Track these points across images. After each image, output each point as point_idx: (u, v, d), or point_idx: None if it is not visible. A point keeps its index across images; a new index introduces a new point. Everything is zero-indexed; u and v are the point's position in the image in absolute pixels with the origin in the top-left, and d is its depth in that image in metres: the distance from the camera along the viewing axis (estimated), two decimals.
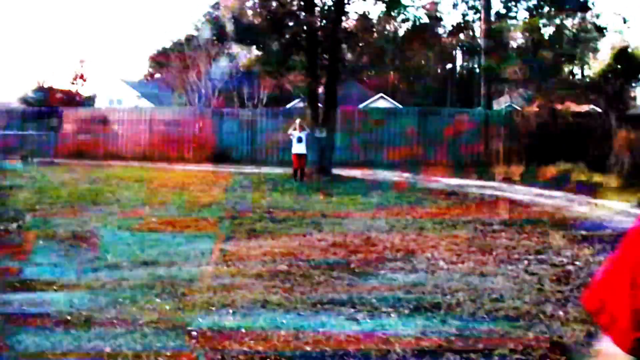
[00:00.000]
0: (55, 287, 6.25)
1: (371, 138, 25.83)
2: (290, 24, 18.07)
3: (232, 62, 30.96)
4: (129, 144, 28.06)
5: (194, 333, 4.92)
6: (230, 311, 5.51)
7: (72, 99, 40.50)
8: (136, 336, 4.83)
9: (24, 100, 43.57)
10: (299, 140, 18.10)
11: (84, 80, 44.09)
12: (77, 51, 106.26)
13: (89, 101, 42.39)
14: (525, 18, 58.62)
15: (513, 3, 62.39)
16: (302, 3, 18.63)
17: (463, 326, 5.35)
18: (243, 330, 5.01)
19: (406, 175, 20.75)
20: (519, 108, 31.96)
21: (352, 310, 5.68)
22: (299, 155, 18.11)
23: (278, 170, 19.66)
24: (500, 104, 35.62)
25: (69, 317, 5.25)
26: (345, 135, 25.02)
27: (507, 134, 25.14)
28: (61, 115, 29.43)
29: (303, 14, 18.42)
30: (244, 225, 10.24)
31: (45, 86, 43.78)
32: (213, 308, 5.60)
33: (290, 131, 18.63)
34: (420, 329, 5.23)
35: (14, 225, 9.80)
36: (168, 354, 4.50)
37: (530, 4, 60.75)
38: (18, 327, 4.99)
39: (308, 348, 4.67)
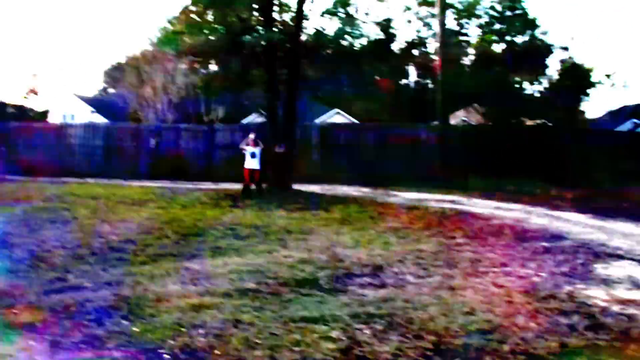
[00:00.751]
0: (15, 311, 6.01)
1: (328, 153, 25.81)
2: (250, 39, 17.94)
3: (189, 78, 30.69)
4: (83, 160, 27.48)
5: (166, 356, 4.77)
6: (202, 332, 5.37)
7: (24, 114, 39.57)
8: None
9: None
10: (253, 155, 18.09)
11: (37, 95, 43.13)
12: (30, 65, 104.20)
13: (42, 116, 41.46)
14: (478, 35, 59.81)
15: (465, 20, 63.60)
16: (261, 18, 18.56)
17: (438, 341, 5.32)
18: (217, 352, 4.88)
19: (365, 189, 20.77)
20: (474, 123, 32.43)
21: (325, 327, 5.60)
22: (252, 171, 18.12)
23: (237, 186, 19.42)
24: (456, 117, 36.04)
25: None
26: (303, 150, 24.96)
27: (463, 148, 25.40)
28: (12, 130, 28.70)
29: (262, 29, 18.35)
30: (208, 242, 10.07)
31: None
32: (183, 329, 5.45)
33: (242, 145, 18.58)
34: (395, 345, 5.18)
35: None
36: None
37: (482, 21, 62.03)
38: None
39: None
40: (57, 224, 11.91)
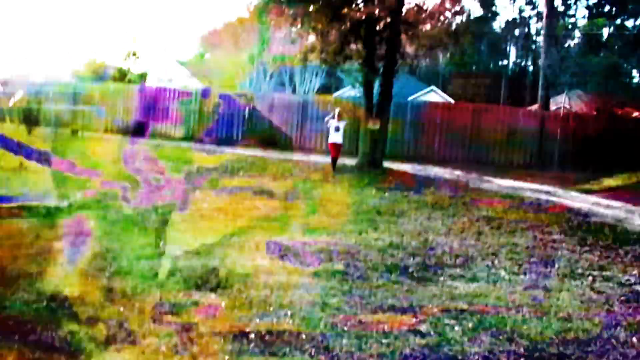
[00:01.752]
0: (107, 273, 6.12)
1: (422, 132, 25.39)
2: (350, 12, 17.69)
3: (285, 47, 30.76)
4: (179, 124, 28.09)
5: (252, 336, 4.72)
6: (289, 313, 5.29)
7: (123, 76, 40.81)
8: (193, 336, 4.66)
9: (76, 76, 44.13)
10: (337, 129, 17.86)
11: (137, 58, 44.36)
12: (130, 28, 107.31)
13: (141, 78, 42.67)
14: (584, 16, 57.27)
15: (572, 1, 60.96)
16: None
17: (532, 347, 5.05)
18: (303, 337, 4.79)
19: (457, 172, 20.30)
20: (576, 110, 31.14)
21: (414, 319, 5.42)
22: (336, 145, 17.93)
23: (327, 159, 19.36)
24: (558, 103, 34.70)
25: None
26: (397, 128, 24.65)
27: (563, 137, 24.42)
28: (111, 92, 29.64)
29: (362, 2, 18.05)
30: (298, 217, 10.04)
31: (98, 62, 44.25)
32: (270, 308, 5.40)
33: (327, 119, 18.46)
34: (487, 347, 4.95)
35: (65, 203, 9.78)
36: (226, 357, 4.31)
37: (591, 2, 59.30)
38: None
39: None
40: (150, 187, 12.16)
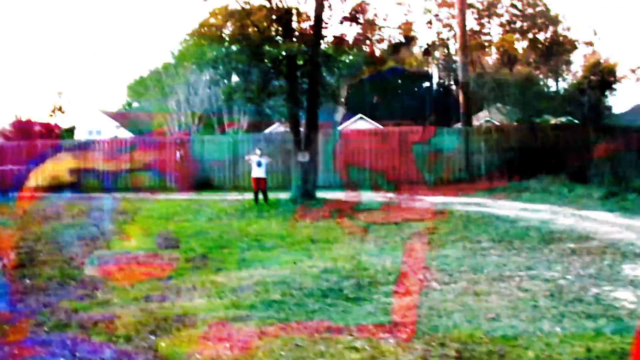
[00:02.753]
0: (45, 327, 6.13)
1: (352, 160, 25.89)
2: (269, 50, 18.06)
3: (211, 89, 30.99)
4: (109, 175, 27.83)
5: None
6: (228, 345, 5.44)
7: (51, 132, 40.19)
8: None
9: (2, 134, 43.20)
10: (259, 164, 18.74)
11: (63, 112, 43.79)
12: (55, 83, 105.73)
13: (69, 133, 42.09)
14: (499, 34, 59.64)
15: (486, 19, 63.40)
16: (280, 29, 18.67)
17: (463, 349, 5.31)
18: None
19: (390, 195, 20.76)
20: (497, 123, 32.24)
21: (350, 337, 5.63)
22: (258, 179, 18.78)
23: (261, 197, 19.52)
24: (479, 119, 35.86)
25: None
26: (327, 158, 25.13)
27: (487, 149, 25.28)
28: (39, 149, 29.19)
29: (281, 39, 18.45)
30: (234, 255, 10.17)
31: (23, 119, 43.46)
32: (210, 343, 5.52)
33: (248, 156, 19.42)
34: (420, 354, 5.19)
35: None
36: None
37: (503, 19, 61.84)
38: None
39: None
40: (85, 239, 12.08)
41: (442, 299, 7.00)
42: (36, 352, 5.41)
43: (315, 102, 19.48)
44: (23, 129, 40.48)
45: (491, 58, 56.75)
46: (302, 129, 19.66)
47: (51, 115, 43.01)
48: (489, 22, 63.24)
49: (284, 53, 18.18)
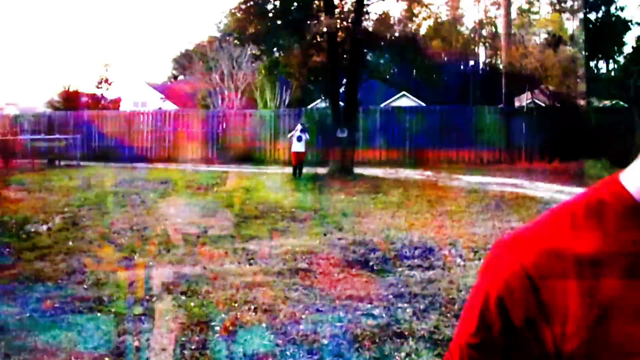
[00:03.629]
0: (84, 286, 6.54)
1: (393, 137, 25.99)
2: (311, 26, 18.25)
3: (254, 64, 31.29)
4: (153, 146, 28.49)
5: (217, 328, 5.18)
6: (252, 307, 5.76)
7: (97, 103, 41.05)
8: (163, 331, 5.10)
9: (50, 105, 44.29)
10: (299, 139, 18.99)
11: (109, 84, 44.62)
12: (102, 55, 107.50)
13: (114, 105, 42.95)
14: (548, 12, 58.40)
15: None
16: (322, 5, 18.82)
17: None
18: (263, 325, 5.26)
19: (428, 173, 20.86)
20: (541, 104, 31.88)
21: (369, 305, 5.90)
22: (297, 154, 19.03)
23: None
24: (522, 100, 35.48)
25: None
26: (367, 134, 25.29)
27: (528, 130, 25.12)
28: (87, 119, 29.98)
29: (323, 15, 18.61)
30: (267, 225, 10.50)
31: (71, 90, 44.40)
32: (235, 305, 5.86)
33: (290, 134, 19.84)
34: (434, 324, 5.43)
35: (44, 227, 10.16)
36: (192, 347, 4.77)
37: None
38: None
39: (325, 341, 4.90)
40: (126, 207, 12.58)
41: (463, 275, 7.20)
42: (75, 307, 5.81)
43: (355, 79, 19.64)
44: (70, 99, 41.39)
45: (538, 38, 55.74)
46: (341, 105, 19.89)
47: (98, 87, 43.82)
48: (538, 1, 62.03)
49: (324, 29, 18.36)
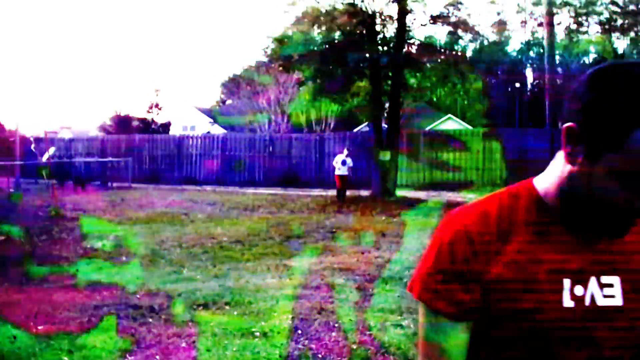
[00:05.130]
0: (138, 295, 7.11)
1: (434, 160, 26.26)
2: (353, 52, 18.83)
3: (299, 89, 32.02)
4: (202, 169, 29.36)
5: (257, 334, 5.66)
6: (290, 317, 6.23)
7: (148, 126, 42.44)
8: (207, 336, 5.61)
9: (103, 129, 45.93)
10: (343, 163, 19.52)
11: (159, 109, 46.08)
12: (153, 81, 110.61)
13: (164, 128, 44.31)
14: (598, 32, 57.82)
15: (584, 18, 61.49)
16: (364, 32, 19.39)
17: None
18: (299, 332, 5.72)
19: (470, 196, 21.06)
20: None
21: (399, 317, 6.29)
22: (341, 177, 19.50)
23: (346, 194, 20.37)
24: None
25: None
26: (410, 157, 25.63)
27: None
28: (137, 142, 31.08)
29: (365, 42, 19.16)
30: (308, 244, 10.98)
31: (123, 114, 46.00)
32: (274, 314, 6.33)
33: (335, 160, 20.21)
34: None
35: (99, 243, 10.84)
36: (234, 349, 5.26)
37: (603, 17, 59.62)
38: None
39: (354, 347, 5.33)
40: (175, 226, 13.23)
41: None
42: (129, 314, 6.36)
43: (397, 103, 20.11)
44: (122, 123, 42.88)
45: (588, 58, 55.26)
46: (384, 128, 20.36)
47: (149, 111, 45.34)
48: (586, 21, 61.41)
49: (367, 55, 18.91)
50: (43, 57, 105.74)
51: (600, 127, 1.13)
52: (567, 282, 1.22)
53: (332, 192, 20.54)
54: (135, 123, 44.05)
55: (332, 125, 35.74)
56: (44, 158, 24.34)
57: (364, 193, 20.62)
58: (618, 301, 1.24)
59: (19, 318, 6.12)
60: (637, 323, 1.25)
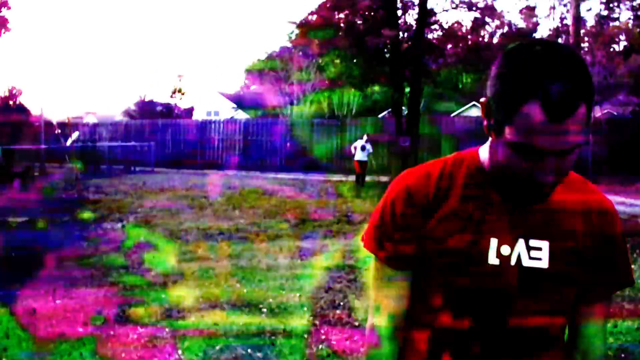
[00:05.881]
0: (152, 273, 7.33)
1: (455, 145, 26.21)
2: (374, 38, 18.86)
3: (322, 75, 32.10)
4: (224, 153, 29.62)
5: (264, 310, 5.84)
6: (298, 294, 6.40)
7: (171, 112, 42.81)
8: (217, 311, 5.80)
9: (127, 114, 46.43)
10: (362, 148, 19.64)
11: (182, 94, 46.42)
12: (176, 66, 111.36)
13: (188, 113, 44.66)
14: (629, 19, 56.79)
15: (615, 3, 60.38)
16: (385, 17, 19.40)
17: None
18: (305, 309, 5.89)
19: None
20: (615, 114, 31.40)
21: None
22: (360, 162, 19.61)
23: (366, 178, 20.44)
24: (596, 111, 34.95)
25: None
26: (431, 142, 25.61)
27: (595, 142, 24.85)
28: (161, 127, 31.43)
29: (386, 28, 19.17)
30: (323, 227, 11.14)
31: (146, 100, 46.44)
32: (283, 292, 6.51)
33: (354, 144, 20.30)
34: None
35: (119, 224, 11.10)
36: (241, 322, 5.44)
37: (635, 3, 58.43)
38: None
39: (356, 324, 5.48)
40: (194, 209, 13.47)
41: None
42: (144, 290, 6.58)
43: (417, 89, 20.11)
44: (146, 108, 43.31)
45: (618, 45, 54.27)
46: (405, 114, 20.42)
47: (172, 97, 45.72)
48: (618, 7, 60.25)
49: (387, 41, 18.94)
50: (69, 43, 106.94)
51: (499, 102, 1.23)
52: (494, 242, 1.34)
53: (352, 178, 20.66)
54: (158, 108, 44.46)
55: (353, 111, 35.77)
56: (68, 142, 24.76)
57: (384, 179, 20.69)
58: (544, 264, 1.34)
59: (38, 292, 6.37)
60: (559, 287, 1.36)
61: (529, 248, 1.34)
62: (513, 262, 1.34)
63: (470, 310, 1.36)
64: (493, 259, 1.34)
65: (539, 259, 1.34)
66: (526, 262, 1.34)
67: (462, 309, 1.36)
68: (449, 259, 1.36)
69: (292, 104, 37.70)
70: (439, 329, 1.39)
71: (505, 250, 1.34)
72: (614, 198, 14.14)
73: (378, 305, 1.47)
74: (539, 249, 1.35)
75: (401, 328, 1.45)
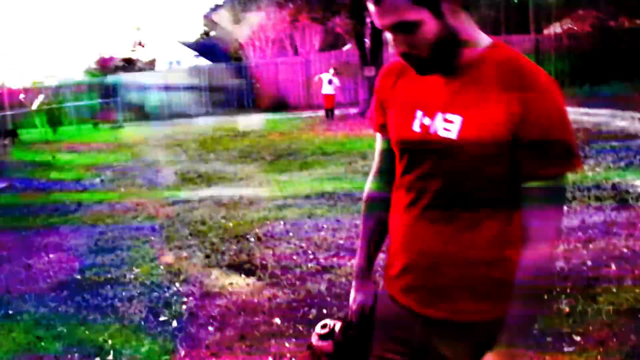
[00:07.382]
0: (139, 219, 7.52)
1: None
2: None
3: (281, 12, 31.72)
4: (191, 102, 29.41)
5: (252, 240, 6.09)
6: (282, 222, 6.66)
7: (132, 66, 42.20)
8: (206, 244, 6.04)
9: (88, 72, 45.67)
10: (329, 82, 19.91)
11: (143, 46, 45.69)
12: (133, 19, 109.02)
13: (150, 66, 44.04)
14: None
15: None
16: None
17: None
18: (290, 234, 6.16)
19: None
20: (575, 29, 31.60)
21: None
22: (328, 96, 19.92)
23: (335, 113, 20.61)
24: (557, 27, 35.16)
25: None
26: None
27: (558, 56, 25.19)
28: (124, 82, 31.00)
29: None
30: (298, 160, 11.37)
31: (107, 57, 45.66)
32: (267, 222, 6.76)
33: (318, 76, 20.67)
34: None
35: (97, 179, 11.22)
36: (231, 253, 5.69)
37: None
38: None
39: (341, 242, 5.77)
40: (170, 157, 13.59)
41: None
42: (132, 236, 6.79)
43: None
44: (107, 65, 42.64)
45: None
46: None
47: (132, 50, 44.98)
48: None
49: None
50: (20, 8, 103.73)
51: None
52: (419, 113, 1.60)
53: (322, 113, 20.80)
54: (120, 63, 43.79)
55: (317, 47, 35.53)
56: (34, 106, 24.40)
57: (353, 111, 20.88)
58: (453, 135, 1.51)
59: (29, 251, 6.55)
60: (463, 157, 1.52)
61: (445, 120, 1.53)
62: (431, 131, 1.55)
63: (412, 170, 1.62)
64: (417, 128, 1.59)
65: (450, 130, 1.52)
66: (441, 133, 1.53)
67: (408, 169, 1.64)
68: (391, 127, 1.69)
69: (253, 46, 37.31)
70: (400, 187, 1.69)
71: (426, 120, 1.57)
72: (577, 110, 14.55)
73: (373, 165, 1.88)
74: (452, 122, 1.52)
75: (389, 185, 1.79)
